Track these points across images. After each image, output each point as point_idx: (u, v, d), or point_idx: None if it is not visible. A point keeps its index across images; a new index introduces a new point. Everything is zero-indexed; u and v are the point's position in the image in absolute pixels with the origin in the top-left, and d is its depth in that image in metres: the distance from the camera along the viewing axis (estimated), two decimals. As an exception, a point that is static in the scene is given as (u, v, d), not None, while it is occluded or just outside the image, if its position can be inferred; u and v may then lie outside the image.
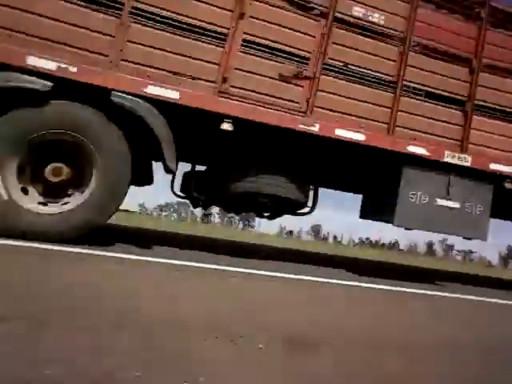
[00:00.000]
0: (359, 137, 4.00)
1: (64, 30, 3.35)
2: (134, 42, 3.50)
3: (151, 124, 3.44)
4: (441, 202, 4.27)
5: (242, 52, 3.76)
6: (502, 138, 4.53)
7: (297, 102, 3.89)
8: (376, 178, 4.55)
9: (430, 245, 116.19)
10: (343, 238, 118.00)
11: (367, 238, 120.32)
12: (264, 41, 3.83)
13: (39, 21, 3.30)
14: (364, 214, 4.98)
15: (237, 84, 3.73)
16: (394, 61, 4.23)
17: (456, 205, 4.31)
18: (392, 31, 4.23)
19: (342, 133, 3.94)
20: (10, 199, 3.22)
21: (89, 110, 3.34)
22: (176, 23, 3.60)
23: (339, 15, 4.05)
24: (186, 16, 3.63)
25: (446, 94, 4.37)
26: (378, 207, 4.63)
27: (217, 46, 3.71)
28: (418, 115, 4.26)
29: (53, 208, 3.37)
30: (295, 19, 3.93)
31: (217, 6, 3.71)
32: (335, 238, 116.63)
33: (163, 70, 3.57)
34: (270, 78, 3.83)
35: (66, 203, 3.41)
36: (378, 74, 4.16)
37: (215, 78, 3.69)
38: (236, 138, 3.90)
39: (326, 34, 3.99)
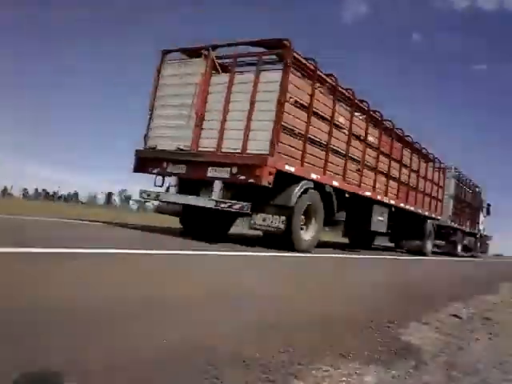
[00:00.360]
0: (368, 194, 9.59)
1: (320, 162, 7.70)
2: (332, 163, 7.99)
3: (334, 198, 8.09)
4: (379, 218, 10.37)
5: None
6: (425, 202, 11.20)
7: (356, 181, 9.08)
8: (359, 208, 10.13)
9: (109, 195, 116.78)
10: (13, 188, 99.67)
11: (44, 190, 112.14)
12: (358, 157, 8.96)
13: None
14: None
15: (348, 177, 8.71)
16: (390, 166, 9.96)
17: (382, 219, 10.50)
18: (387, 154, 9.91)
19: (369, 194, 9.53)
20: (296, 232, 7.31)
21: (318, 192, 7.71)
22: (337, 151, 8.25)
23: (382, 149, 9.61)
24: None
25: (396, 177, 10.72)
26: (357, 222, 10.39)
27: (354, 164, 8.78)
28: (387, 186, 10.33)
29: (307, 237, 7.64)
30: (362, 148, 9.11)
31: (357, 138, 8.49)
32: (4, 189, 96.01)
33: (339, 174, 8.34)
34: (353, 171, 8.92)
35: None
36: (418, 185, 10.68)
37: (342, 174, 8.50)
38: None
39: (364, 151, 9.27)
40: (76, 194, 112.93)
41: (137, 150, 8.01)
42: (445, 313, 3.32)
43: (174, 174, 7.61)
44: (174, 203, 7.76)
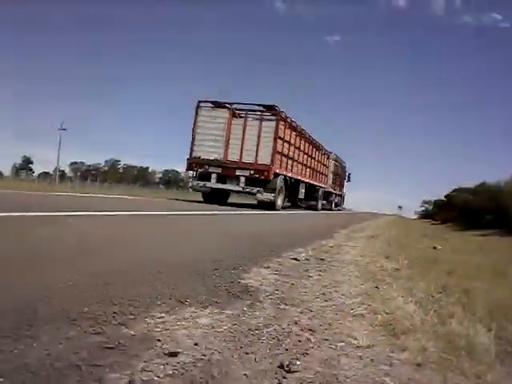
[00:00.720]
0: (299, 178, 17.30)
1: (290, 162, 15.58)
2: (289, 164, 15.84)
3: (289, 182, 15.85)
4: (302, 190, 18.16)
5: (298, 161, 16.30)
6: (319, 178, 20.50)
7: (296, 171, 16.72)
8: (295, 186, 17.25)
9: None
10: None
11: None
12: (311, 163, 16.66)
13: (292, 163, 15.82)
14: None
15: (294, 170, 16.33)
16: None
17: (303, 191, 18.33)
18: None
19: (300, 178, 17.34)
20: (277, 201, 14.36)
21: (284, 180, 15.01)
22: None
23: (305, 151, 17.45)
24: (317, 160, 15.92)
25: (309, 165, 18.80)
26: (308, 200, 19.38)
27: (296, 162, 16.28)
28: (306, 171, 18.42)
29: (279, 203, 14.77)
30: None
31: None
32: None
33: (291, 169, 15.88)
34: (295, 166, 16.59)
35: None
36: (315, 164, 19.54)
37: (291, 169, 16.07)
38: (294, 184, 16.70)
39: (299, 154, 17.01)
40: None
41: (188, 158, 14.37)
42: (286, 257, 3.70)
43: (213, 173, 13.98)
44: (209, 187, 14.13)
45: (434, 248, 6.60)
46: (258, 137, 13.85)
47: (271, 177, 13.71)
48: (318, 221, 14.05)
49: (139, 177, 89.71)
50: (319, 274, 3.12)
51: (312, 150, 19.22)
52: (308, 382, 1.36)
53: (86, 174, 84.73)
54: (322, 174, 22.04)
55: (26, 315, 1.60)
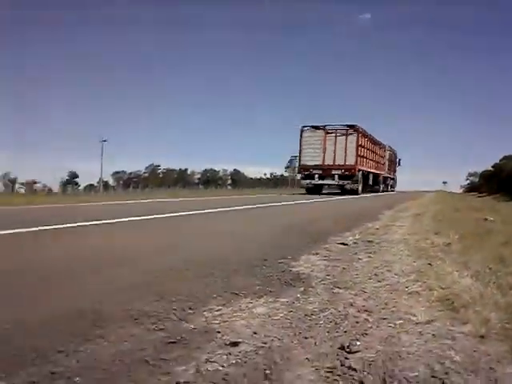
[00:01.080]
0: (369, 170, 22.29)
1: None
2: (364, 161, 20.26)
3: (365, 174, 20.42)
4: (371, 178, 23.88)
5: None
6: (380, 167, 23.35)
7: (367, 166, 21.57)
8: (367, 176, 22.90)
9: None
10: None
11: None
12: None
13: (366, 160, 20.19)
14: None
15: (367, 165, 21.48)
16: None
17: (372, 178, 23.88)
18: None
19: (369, 170, 23.33)
20: (359, 189, 20.66)
21: (362, 173, 20.50)
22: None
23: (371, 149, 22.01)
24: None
25: (374, 159, 23.52)
26: (374, 185, 24.94)
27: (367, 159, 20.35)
28: (372, 164, 23.04)
29: (360, 189, 20.94)
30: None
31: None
32: None
33: (366, 166, 19.97)
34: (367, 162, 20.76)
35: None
36: (377, 158, 23.22)
37: (366, 164, 20.34)
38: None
39: (369, 153, 21.89)
40: None
41: (298, 166, 21.86)
42: (333, 242, 3.69)
43: (316, 174, 20.41)
44: (313, 184, 20.72)
45: (486, 220, 6.34)
46: (345, 146, 20.18)
47: (356, 173, 20.00)
48: (374, 202, 14.48)
49: (179, 179, 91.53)
50: (369, 256, 3.08)
51: (375, 148, 25.11)
52: (370, 361, 1.36)
53: (128, 182, 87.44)
54: (381, 163, 27.79)
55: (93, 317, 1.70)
